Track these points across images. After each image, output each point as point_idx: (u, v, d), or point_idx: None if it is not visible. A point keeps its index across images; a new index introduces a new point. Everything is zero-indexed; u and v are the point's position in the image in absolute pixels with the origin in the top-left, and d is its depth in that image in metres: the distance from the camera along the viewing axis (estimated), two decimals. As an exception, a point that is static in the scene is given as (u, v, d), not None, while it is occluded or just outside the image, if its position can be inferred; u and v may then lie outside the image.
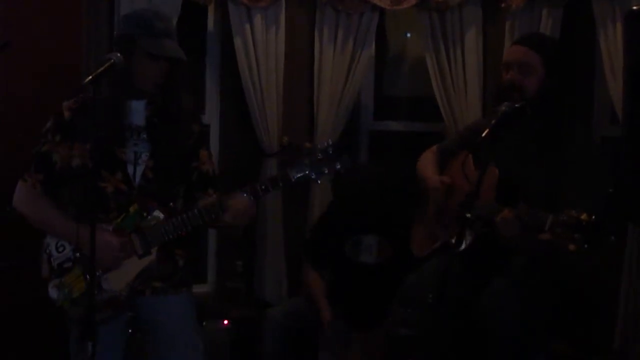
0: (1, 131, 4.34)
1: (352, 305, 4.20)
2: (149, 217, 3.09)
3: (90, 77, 2.80)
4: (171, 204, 3.17)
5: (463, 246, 3.32)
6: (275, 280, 4.84)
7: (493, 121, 3.19)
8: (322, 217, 4.54)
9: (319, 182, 3.19)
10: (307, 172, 3.11)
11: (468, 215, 3.03)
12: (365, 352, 4.10)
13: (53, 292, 3.11)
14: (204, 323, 4.35)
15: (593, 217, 2.88)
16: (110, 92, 3.05)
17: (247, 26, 4.67)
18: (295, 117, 4.88)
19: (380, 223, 4.30)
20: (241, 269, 4.80)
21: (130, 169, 3.12)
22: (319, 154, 3.11)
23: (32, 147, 3.18)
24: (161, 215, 3.10)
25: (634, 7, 3.16)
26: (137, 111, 3.15)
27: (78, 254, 3.09)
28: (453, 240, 3.33)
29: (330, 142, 3.14)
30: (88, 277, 3.06)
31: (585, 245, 2.88)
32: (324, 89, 4.79)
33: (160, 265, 3.14)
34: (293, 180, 3.11)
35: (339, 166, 3.14)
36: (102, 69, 2.84)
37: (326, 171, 3.12)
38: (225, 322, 4.49)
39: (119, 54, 2.90)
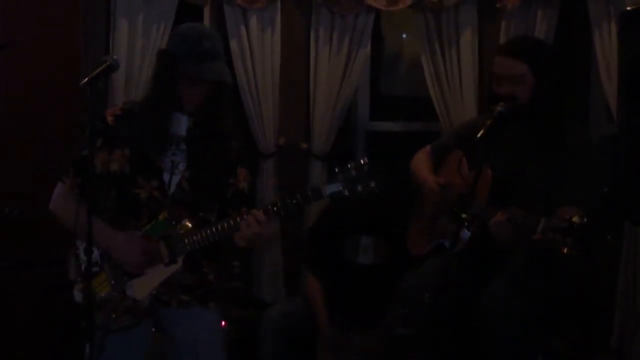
0: (0, 131, 4.34)
1: (350, 306, 4.21)
2: (178, 225, 3.08)
3: (86, 79, 2.81)
4: (201, 214, 3.16)
5: (459, 246, 3.33)
6: (272, 280, 4.85)
7: (489, 122, 3.20)
8: (318, 219, 4.54)
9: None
10: (340, 189, 3.02)
11: (463, 215, 3.04)
12: (364, 352, 4.10)
13: (78, 296, 3.12)
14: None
15: (585, 219, 2.89)
16: (154, 103, 3.07)
17: (243, 28, 4.68)
18: (291, 118, 4.89)
19: (376, 224, 4.31)
20: (238, 270, 4.80)
21: (166, 177, 3.13)
22: (353, 171, 3.02)
23: (31, 148, 3.19)
24: (190, 225, 3.09)
25: (628, 8, 3.18)
26: (180, 122, 3.16)
27: (105, 259, 3.09)
28: (449, 241, 3.35)
29: (367, 160, 3.03)
30: (113, 282, 3.09)
31: (578, 249, 2.89)
32: (320, 90, 4.80)
33: (187, 276, 3.14)
34: (325, 195, 3.04)
35: (373, 184, 3.02)
36: (97, 71, 2.85)
37: (359, 189, 3.01)
38: (223, 322, 4.49)
39: (115, 57, 2.92)
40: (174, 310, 3.15)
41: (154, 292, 3.09)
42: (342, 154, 5.03)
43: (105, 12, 4.50)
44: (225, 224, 3.04)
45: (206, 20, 4.91)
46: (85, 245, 3.07)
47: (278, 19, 4.74)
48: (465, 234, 3.34)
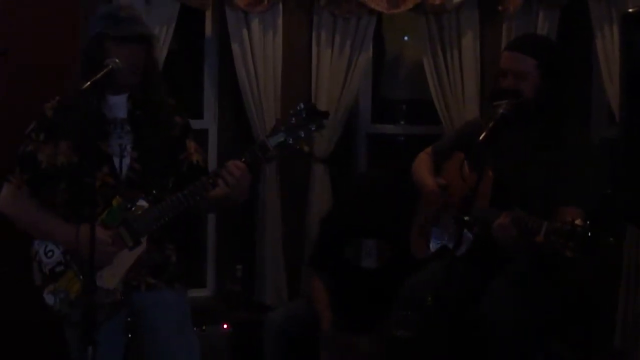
0: (1, 135, 4.33)
1: (353, 308, 4.21)
2: (133, 207, 3.07)
3: (89, 82, 2.81)
4: (154, 191, 3.13)
5: (461, 249, 3.33)
6: (275, 283, 4.84)
7: (490, 124, 3.20)
8: (322, 222, 4.55)
9: (298, 147, 3.08)
10: (283, 139, 3.04)
11: (466, 218, 3.04)
12: (366, 354, 4.11)
13: (49, 299, 3.11)
14: (204, 327, 4.36)
15: (587, 222, 2.88)
16: (87, 88, 3.01)
17: (245, 31, 4.68)
18: (293, 121, 4.88)
19: (380, 227, 4.31)
20: (241, 273, 4.80)
21: (116, 162, 3.12)
22: (292, 119, 3.04)
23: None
24: (145, 204, 3.08)
25: (630, 10, 3.18)
26: (119, 104, 3.16)
27: (68, 256, 3.09)
28: (451, 243, 3.35)
29: (303, 106, 3.06)
30: (82, 277, 3.07)
31: (581, 253, 2.88)
32: (322, 93, 4.80)
33: (152, 257, 3.14)
34: (271, 148, 3.05)
35: (314, 128, 3.05)
36: (100, 74, 2.85)
37: (302, 134, 3.03)
38: (225, 326, 4.49)
39: (116, 60, 2.93)
40: (143, 294, 3.15)
41: (124, 278, 3.09)
42: (344, 156, 5.04)
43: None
44: (181, 195, 3.04)
45: (208, 24, 4.91)
46: (45, 247, 3.12)
47: (280, 22, 4.74)
48: (468, 236, 3.34)
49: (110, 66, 2.90)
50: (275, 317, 4.26)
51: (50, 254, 3.12)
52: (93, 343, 2.71)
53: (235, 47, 4.69)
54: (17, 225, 3.19)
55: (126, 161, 3.13)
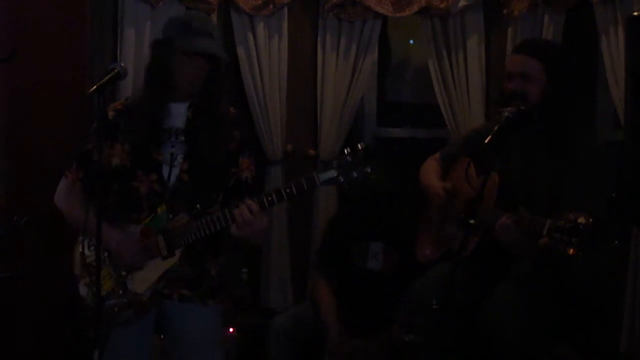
0: (7, 139, 4.35)
1: (358, 311, 4.21)
2: (175, 218, 3.08)
3: (95, 86, 2.81)
4: (198, 206, 3.10)
5: (467, 252, 3.33)
6: (280, 287, 4.85)
7: (496, 127, 3.21)
8: (329, 225, 4.55)
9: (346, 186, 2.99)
10: (335, 176, 2.96)
11: (471, 221, 3.04)
12: (371, 358, 4.11)
13: (83, 290, 3.14)
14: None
15: (591, 220, 2.89)
16: (149, 94, 3.06)
17: (250, 35, 4.69)
18: (298, 125, 4.89)
19: (386, 230, 4.31)
20: (246, 277, 4.80)
21: (165, 170, 3.12)
22: (349, 157, 2.95)
23: (38, 156, 3.19)
24: (186, 217, 3.08)
25: (635, 13, 3.18)
26: (178, 113, 3.15)
27: (106, 254, 3.09)
28: (457, 247, 3.35)
29: (363, 145, 2.96)
30: (115, 276, 3.09)
31: (584, 249, 2.89)
32: (327, 96, 4.80)
33: (187, 270, 3.14)
34: (319, 183, 2.98)
35: (370, 170, 2.95)
36: (106, 78, 2.85)
37: (355, 175, 2.95)
38: (231, 329, 4.49)
39: (122, 64, 2.93)
40: (176, 304, 3.15)
41: (154, 285, 3.09)
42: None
43: (113, 20, 4.51)
44: (221, 215, 3.02)
45: (213, 28, 4.92)
46: (89, 240, 3.11)
47: (285, 25, 4.75)
48: (473, 239, 3.34)
49: (117, 70, 2.89)
50: (281, 321, 4.26)
51: (92, 247, 3.11)
52: (100, 346, 2.72)
53: (240, 50, 4.70)
54: (66, 219, 3.21)
55: (175, 171, 3.12)
